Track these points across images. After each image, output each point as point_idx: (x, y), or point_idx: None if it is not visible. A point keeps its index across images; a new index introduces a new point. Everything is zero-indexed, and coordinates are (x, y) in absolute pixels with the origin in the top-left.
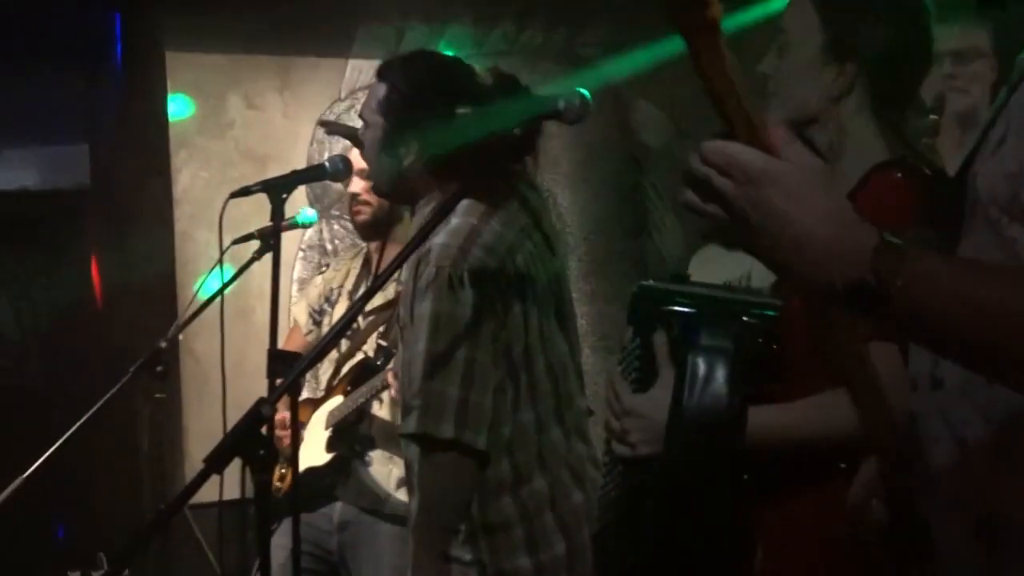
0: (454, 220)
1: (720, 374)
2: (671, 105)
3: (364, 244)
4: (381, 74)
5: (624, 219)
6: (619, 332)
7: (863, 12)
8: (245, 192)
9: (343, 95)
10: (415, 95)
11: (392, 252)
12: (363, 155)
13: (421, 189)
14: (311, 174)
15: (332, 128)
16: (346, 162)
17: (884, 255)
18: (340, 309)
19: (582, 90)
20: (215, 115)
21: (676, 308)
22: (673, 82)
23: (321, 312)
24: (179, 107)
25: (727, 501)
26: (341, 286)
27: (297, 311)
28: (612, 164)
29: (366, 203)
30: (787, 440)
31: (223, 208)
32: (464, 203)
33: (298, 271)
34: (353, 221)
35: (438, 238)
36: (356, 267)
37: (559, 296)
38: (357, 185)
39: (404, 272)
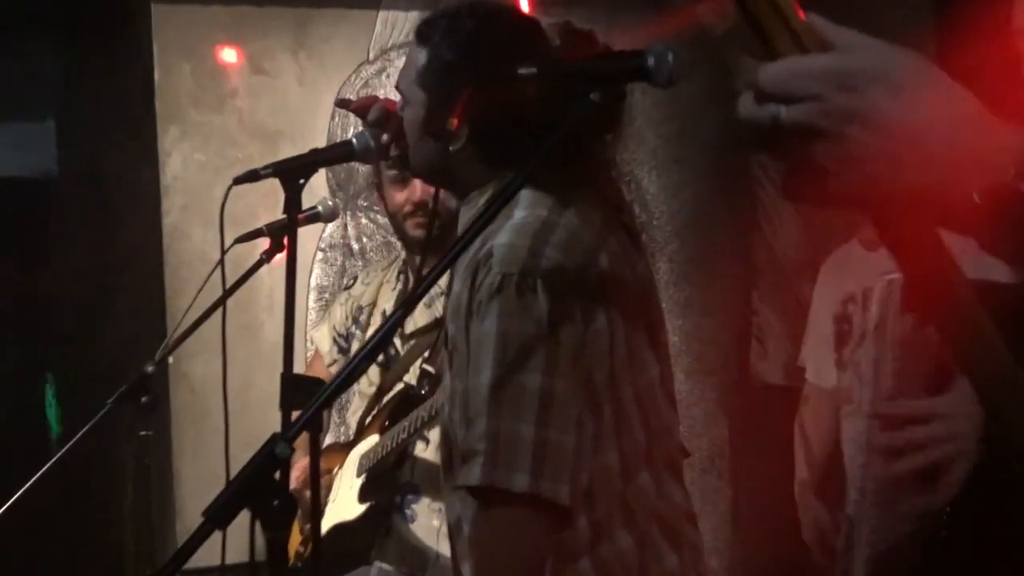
0: (518, 214)
1: None
2: None
3: (399, 247)
4: (421, 35)
5: (726, 209)
6: (720, 351)
7: None
8: (252, 177)
9: (372, 56)
10: (465, 60)
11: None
12: (400, 140)
13: (474, 178)
14: (335, 154)
15: (353, 106)
16: (378, 139)
17: None
18: (371, 332)
19: (672, 46)
20: (213, 83)
21: None
22: None
23: (348, 337)
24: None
25: None
26: (373, 303)
27: (319, 336)
28: (710, 140)
29: (433, 214)
30: None
31: (224, 198)
32: (528, 193)
33: (317, 277)
34: (404, 236)
35: (500, 237)
36: (391, 279)
37: (648, 307)
38: (419, 192)
39: (455, 282)
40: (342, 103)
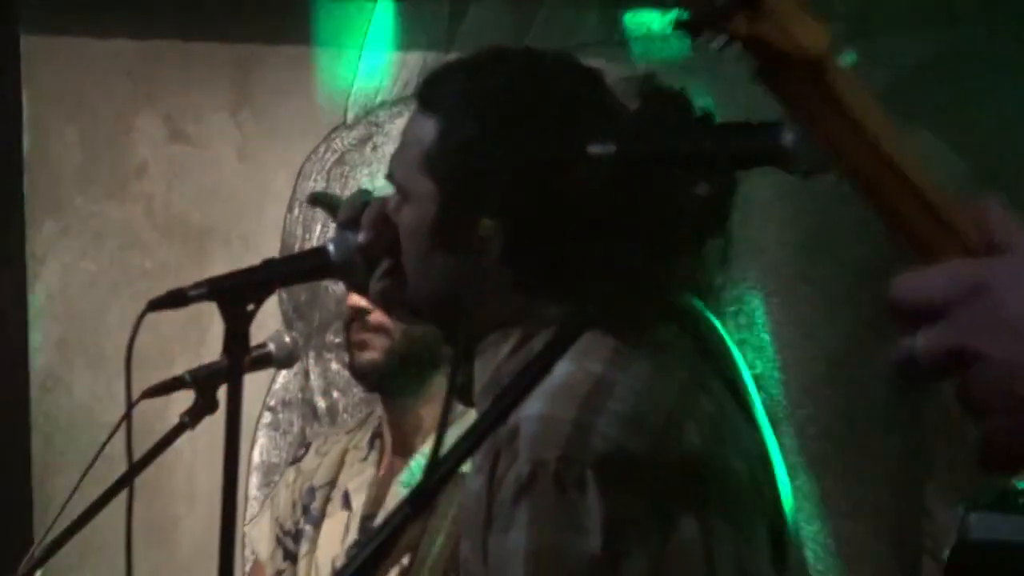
0: (561, 369)
1: None
2: (963, 130)
3: (375, 404)
4: (427, 98)
5: (880, 354)
6: (874, 570)
7: None
8: (176, 300)
9: (350, 117)
10: (497, 133)
11: (416, 421)
12: (389, 248)
13: (498, 312)
14: (301, 268)
15: (323, 201)
16: (363, 249)
17: None
18: (331, 527)
19: None
20: (111, 154)
21: None
22: (963, 95)
23: (297, 535)
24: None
25: None
26: (331, 482)
27: (256, 534)
28: (858, 251)
29: (379, 329)
30: None
31: (133, 331)
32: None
33: (262, 450)
34: (352, 360)
35: (530, 405)
36: (361, 444)
37: (767, 503)
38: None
39: (469, 475)
40: (318, 199)
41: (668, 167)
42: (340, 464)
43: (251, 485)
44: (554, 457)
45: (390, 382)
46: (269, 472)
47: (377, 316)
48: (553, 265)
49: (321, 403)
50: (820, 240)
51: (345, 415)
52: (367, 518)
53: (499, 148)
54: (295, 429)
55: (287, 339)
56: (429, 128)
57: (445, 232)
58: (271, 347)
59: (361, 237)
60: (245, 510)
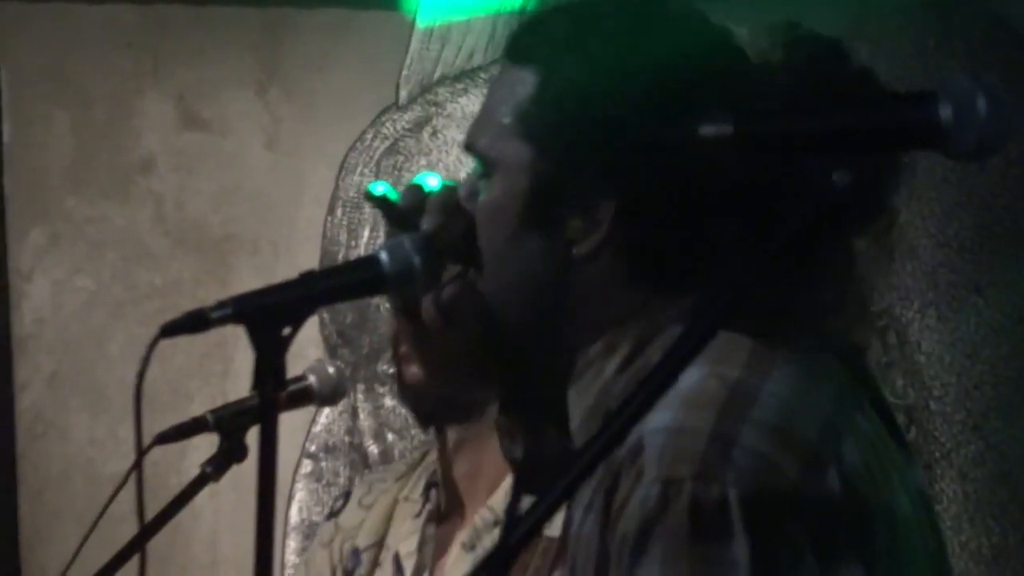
0: (689, 377)
1: None
2: None
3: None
4: (521, 51)
5: None
6: None
7: None
8: (195, 324)
9: (404, 96)
10: (614, 85)
11: (474, 458)
12: (462, 239)
13: (604, 314)
14: (347, 282)
15: (377, 199)
16: (430, 250)
17: None
18: None
19: (986, 80)
20: (112, 146)
21: None
22: None
23: None
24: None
25: None
26: (380, 543)
27: None
28: None
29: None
30: None
31: (144, 360)
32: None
33: (301, 506)
34: (399, 381)
35: (657, 417)
36: (413, 495)
37: (933, 552)
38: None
39: (573, 509)
40: (371, 197)
41: (797, 149)
42: (388, 519)
43: (288, 551)
44: (689, 475)
45: (440, 408)
46: (308, 533)
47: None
48: (681, 250)
49: (373, 448)
50: (990, 239)
51: (398, 459)
52: None
53: (618, 100)
54: (341, 480)
55: (331, 370)
56: (525, 82)
57: (543, 208)
58: (311, 380)
59: (426, 223)
60: None
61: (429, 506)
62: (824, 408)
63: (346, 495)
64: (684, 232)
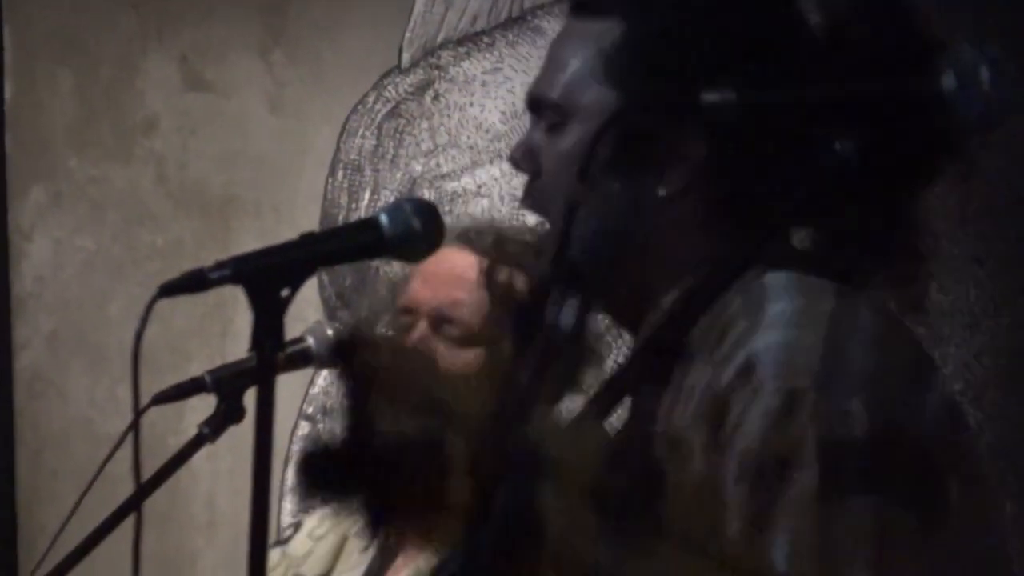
0: (784, 303)
1: None
2: None
3: None
4: (592, 3)
5: None
6: None
7: None
8: (193, 284)
9: (407, 57)
10: (695, 41)
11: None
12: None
13: (677, 258)
14: (344, 244)
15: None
16: (430, 214)
17: None
18: None
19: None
20: (113, 106)
21: None
22: None
23: None
24: None
25: None
26: (325, 575)
27: None
28: None
29: (464, 342)
30: None
31: (143, 320)
32: (780, 282)
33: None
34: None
35: (761, 336)
36: (361, 532)
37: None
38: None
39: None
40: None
41: (793, 118)
42: (337, 555)
43: (284, 512)
44: (811, 386)
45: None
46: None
47: (464, 317)
48: (767, 193)
49: None
50: (995, 210)
51: None
52: None
53: (711, 42)
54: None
55: (329, 332)
56: (606, 31)
57: (625, 151)
58: (310, 342)
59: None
60: (275, 536)
61: (378, 540)
62: (914, 341)
63: (296, 525)
64: (768, 174)
